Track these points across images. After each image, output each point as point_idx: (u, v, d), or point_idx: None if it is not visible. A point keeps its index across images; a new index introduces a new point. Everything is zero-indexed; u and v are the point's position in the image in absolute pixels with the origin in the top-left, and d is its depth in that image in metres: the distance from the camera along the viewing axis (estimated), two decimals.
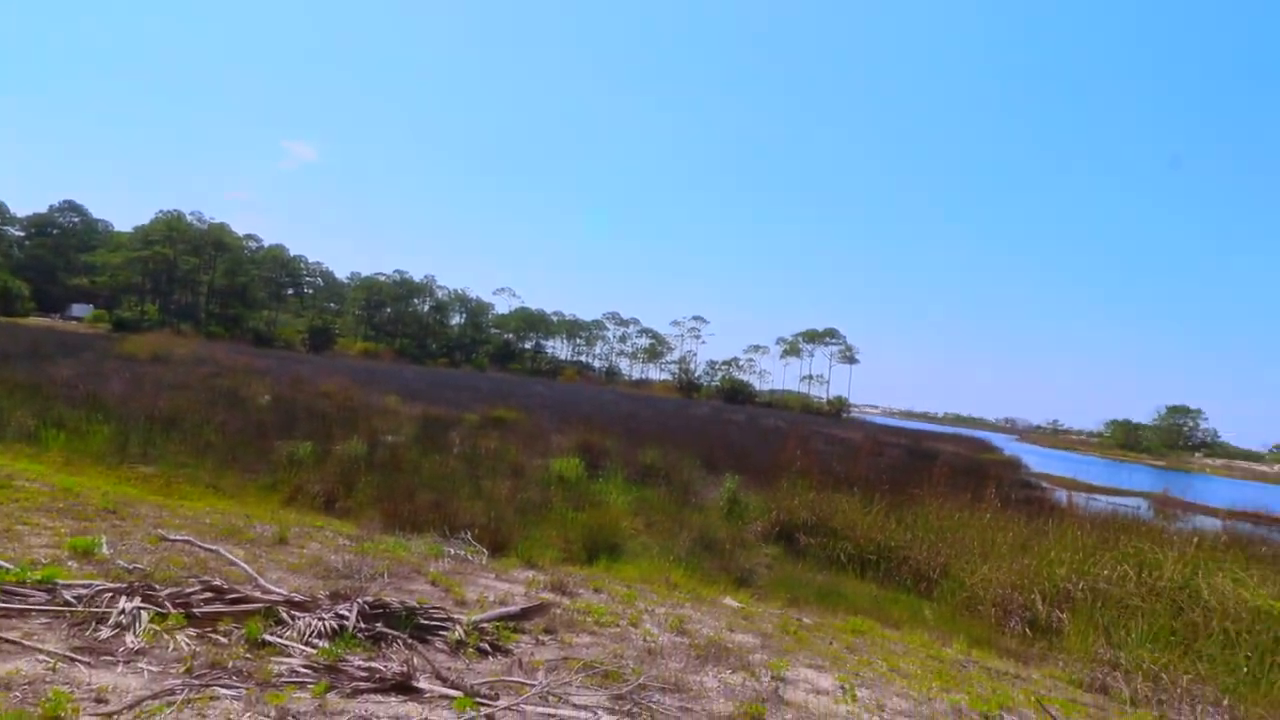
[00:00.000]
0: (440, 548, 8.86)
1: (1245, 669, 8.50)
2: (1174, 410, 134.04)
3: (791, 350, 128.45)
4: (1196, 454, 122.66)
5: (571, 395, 49.57)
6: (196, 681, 4.04)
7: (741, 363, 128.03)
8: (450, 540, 9.54)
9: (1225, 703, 7.21)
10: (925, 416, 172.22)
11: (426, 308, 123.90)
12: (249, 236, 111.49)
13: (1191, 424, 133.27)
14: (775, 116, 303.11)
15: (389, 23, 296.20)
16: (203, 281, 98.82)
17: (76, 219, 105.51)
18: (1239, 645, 9.06)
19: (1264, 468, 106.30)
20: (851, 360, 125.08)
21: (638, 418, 33.06)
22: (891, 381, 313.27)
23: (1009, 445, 72.95)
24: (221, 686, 4.03)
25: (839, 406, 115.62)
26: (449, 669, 4.72)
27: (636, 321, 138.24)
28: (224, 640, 4.64)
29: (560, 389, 62.39)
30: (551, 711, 4.21)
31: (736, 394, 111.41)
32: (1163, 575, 10.93)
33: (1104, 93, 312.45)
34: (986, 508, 15.71)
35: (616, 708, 4.36)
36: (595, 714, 4.21)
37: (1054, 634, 9.92)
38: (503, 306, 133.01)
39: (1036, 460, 55.30)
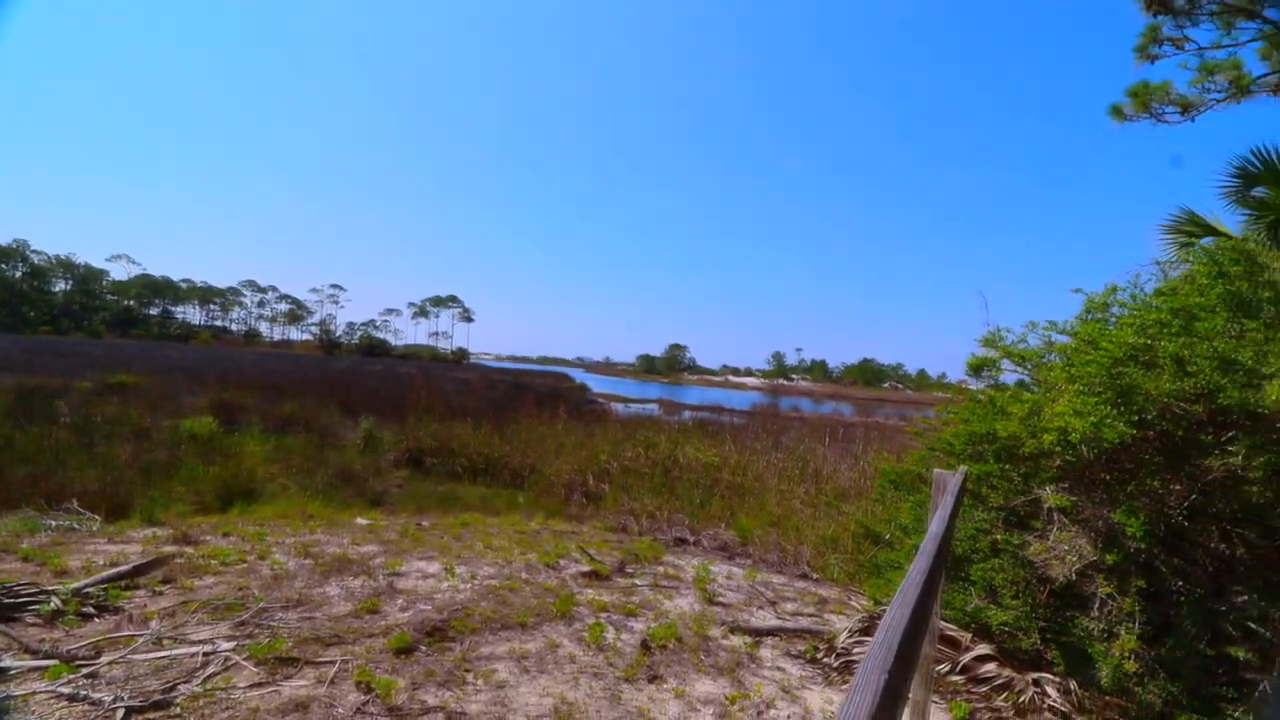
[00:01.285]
0: (38, 522, 6.50)
1: (699, 501, 9.93)
2: (673, 346, 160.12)
3: (421, 312, 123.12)
4: (685, 373, 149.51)
5: (206, 358, 39.73)
6: None
7: (378, 323, 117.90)
8: (53, 512, 7.08)
9: (688, 523, 8.56)
10: (525, 359, 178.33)
11: (19, 274, 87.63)
12: None
13: (682, 354, 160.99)
14: (410, 112, 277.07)
15: None
16: None
17: None
18: (697, 487, 10.55)
19: (718, 379, 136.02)
20: (469, 320, 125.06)
21: (277, 374, 28.00)
22: (502, 333, 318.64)
23: (580, 375, 79.00)
24: None
25: (461, 356, 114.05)
26: (43, 640, 3.57)
27: (275, 288, 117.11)
28: None
29: (193, 352, 49.47)
30: (165, 653, 3.46)
31: (374, 350, 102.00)
32: (659, 450, 12.48)
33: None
34: (560, 420, 16.65)
35: (237, 633, 3.75)
36: (214, 644, 3.58)
37: (599, 499, 10.57)
38: (120, 273, 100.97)
39: (597, 384, 58.79)
